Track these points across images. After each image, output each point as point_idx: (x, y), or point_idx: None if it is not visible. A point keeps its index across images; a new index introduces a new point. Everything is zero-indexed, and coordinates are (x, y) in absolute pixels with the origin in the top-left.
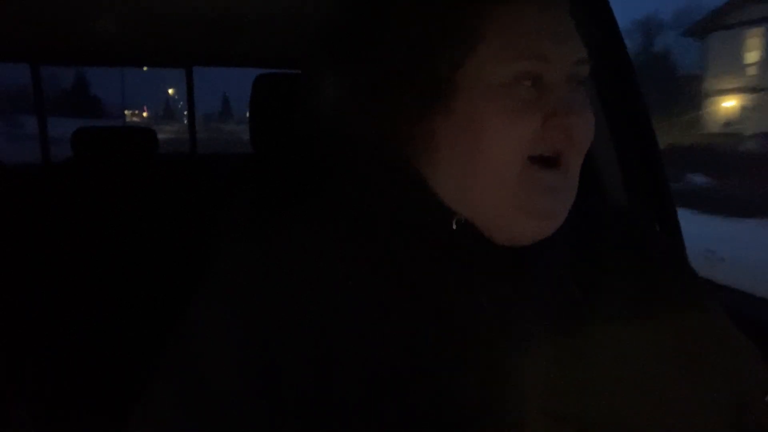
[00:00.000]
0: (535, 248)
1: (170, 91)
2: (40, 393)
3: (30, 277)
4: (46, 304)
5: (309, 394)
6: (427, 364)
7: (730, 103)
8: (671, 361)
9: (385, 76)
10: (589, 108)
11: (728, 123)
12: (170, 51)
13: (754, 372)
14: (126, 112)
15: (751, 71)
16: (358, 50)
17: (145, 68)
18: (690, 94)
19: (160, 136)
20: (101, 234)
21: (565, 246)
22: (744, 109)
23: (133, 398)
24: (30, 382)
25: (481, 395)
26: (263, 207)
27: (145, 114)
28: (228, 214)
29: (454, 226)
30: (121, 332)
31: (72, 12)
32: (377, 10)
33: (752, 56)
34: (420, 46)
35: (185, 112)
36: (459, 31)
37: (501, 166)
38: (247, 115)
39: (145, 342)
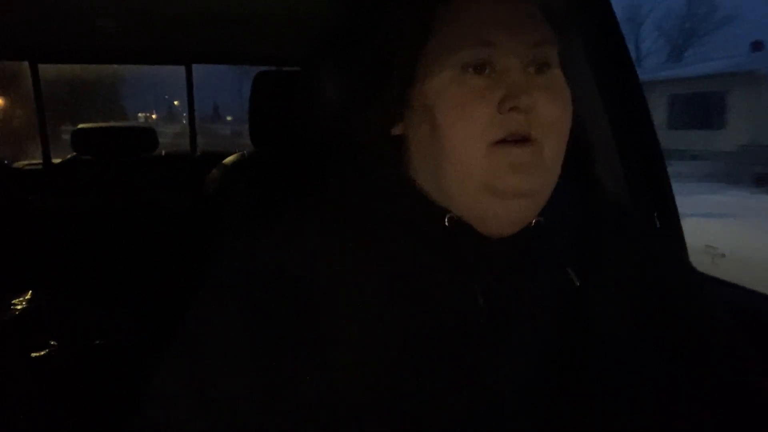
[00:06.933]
0: (530, 242)
1: (176, 102)
2: (41, 392)
3: (31, 275)
4: (48, 302)
5: (307, 384)
6: (423, 359)
7: None
8: (668, 356)
9: (361, 75)
10: (557, 90)
11: None
12: (170, 49)
13: (751, 369)
14: (140, 114)
15: None
16: (341, 48)
17: (166, 97)
18: None
19: (165, 130)
20: (102, 231)
21: (563, 240)
22: None
23: (133, 396)
24: (31, 381)
25: (475, 389)
26: (263, 203)
27: (154, 116)
28: (229, 210)
29: (446, 223)
30: (124, 330)
31: (72, 11)
32: (355, 8)
33: None
34: (381, 42)
35: (184, 113)
36: (411, 27)
37: (463, 155)
38: (228, 118)
39: (149, 339)
